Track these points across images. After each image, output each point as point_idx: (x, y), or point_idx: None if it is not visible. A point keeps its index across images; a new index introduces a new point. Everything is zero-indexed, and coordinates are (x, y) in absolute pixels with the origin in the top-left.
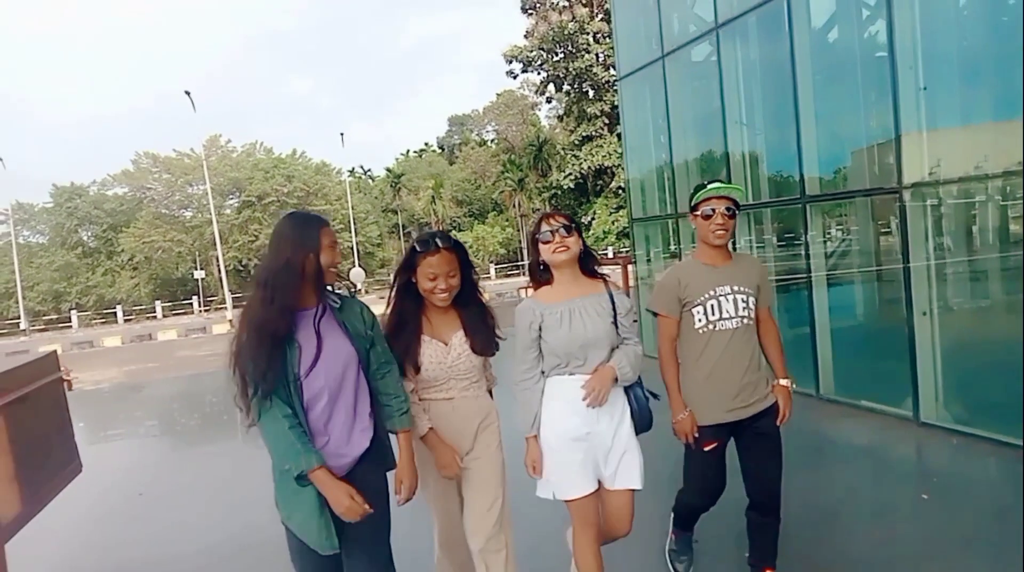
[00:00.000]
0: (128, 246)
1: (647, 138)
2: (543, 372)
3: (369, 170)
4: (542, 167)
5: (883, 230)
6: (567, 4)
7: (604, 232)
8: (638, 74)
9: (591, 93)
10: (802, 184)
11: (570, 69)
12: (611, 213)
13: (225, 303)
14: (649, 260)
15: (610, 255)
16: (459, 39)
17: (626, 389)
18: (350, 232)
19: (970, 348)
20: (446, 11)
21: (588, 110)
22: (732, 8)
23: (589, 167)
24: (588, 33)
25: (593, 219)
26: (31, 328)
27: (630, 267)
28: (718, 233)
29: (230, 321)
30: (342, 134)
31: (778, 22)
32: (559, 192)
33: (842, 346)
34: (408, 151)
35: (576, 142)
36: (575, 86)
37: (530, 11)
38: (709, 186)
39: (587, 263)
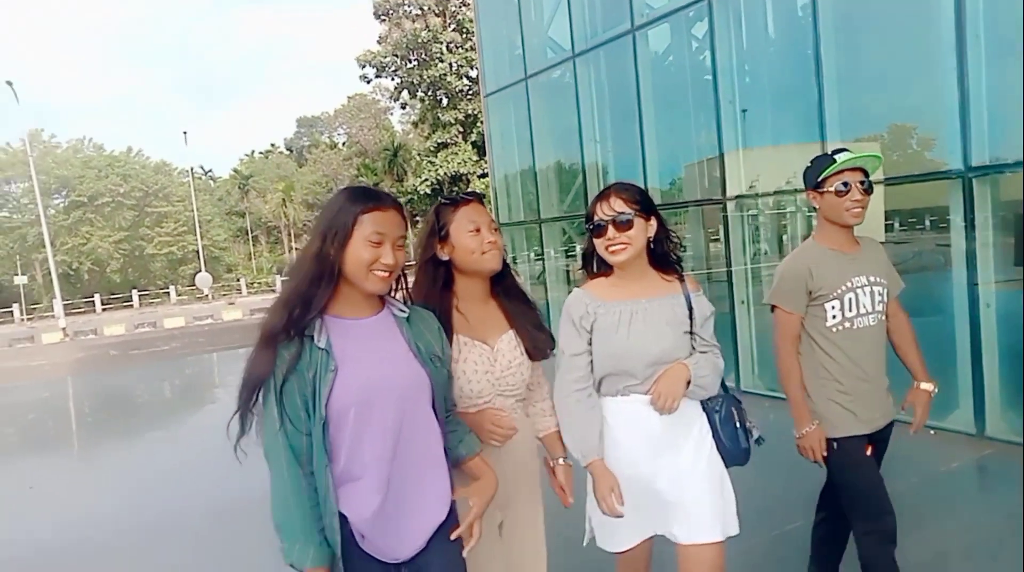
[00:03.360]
0: None
1: (512, 150)
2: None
3: (210, 170)
4: (397, 172)
5: (712, 237)
6: (420, 13)
7: None
8: (503, 92)
9: (445, 101)
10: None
11: (424, 77)
12: None
13: (54, 311)
14: (515, 260)
15: None
16: (307, 40)
17: (708, 416)
18: (195, 235)
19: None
20: (293, 10)
21: (443, 118)
22: (587, 41)
23: (445, 173)
24: (441, 43)
25: None
26: None
27: None
28: (855, 210)
29: (63, 330)
30: (185, 133)
31: (625, 53)
32: (415, 197)
33: None
34: (254, 152)
35: (431, 148)
36: (429, 94)
37: (383, 17)
38: (840, 157)
39: (661, 255)
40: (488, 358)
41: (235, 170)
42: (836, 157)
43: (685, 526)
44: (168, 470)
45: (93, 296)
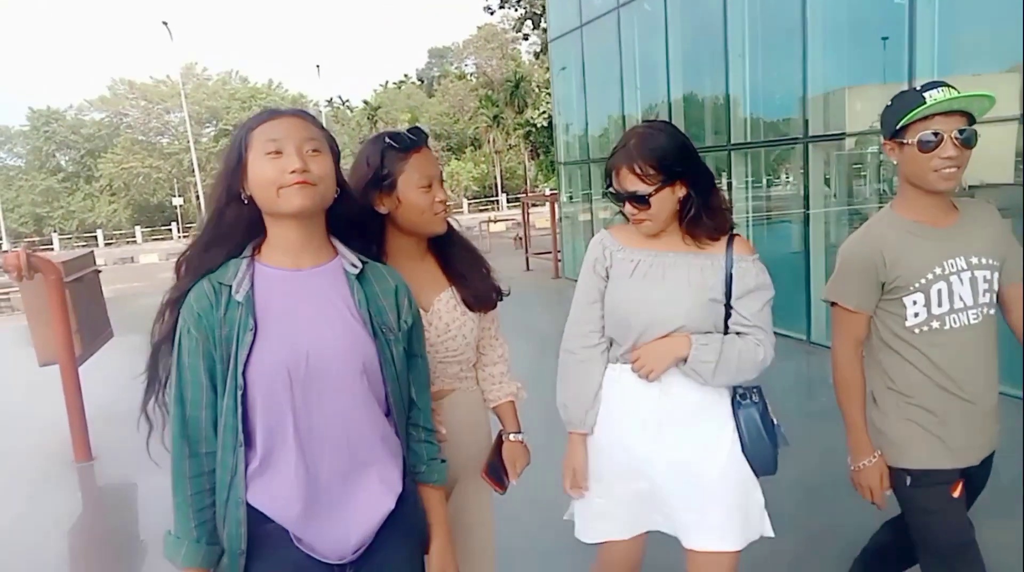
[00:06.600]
0: (107, 172)
1: (570, 92)
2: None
3: (347, 100)
4: (518, 104)
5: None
6: None
7: None
8: (563, 38)
9: None
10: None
11: (545, 7)
12: None
13: None
14: (572, 198)
15: (547, 192)
16: None
17: (735, 409)
18: None
19: None
20: None
21: None
22: None
23: None
24: None
25: None
26: (13, 249)
27: (556, 205)
28: (945, 172)
29: None
30: (318, 66)
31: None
32: (533, 130)
33: None
34: (387, 82)
35: (550, 80)
36: None
37: None
38: (930, 96)
39: (698, 223)
40: (423, 322)
41: (365, 102)
42: (926, 95)
43: (699, 530)
44: None
45: None
